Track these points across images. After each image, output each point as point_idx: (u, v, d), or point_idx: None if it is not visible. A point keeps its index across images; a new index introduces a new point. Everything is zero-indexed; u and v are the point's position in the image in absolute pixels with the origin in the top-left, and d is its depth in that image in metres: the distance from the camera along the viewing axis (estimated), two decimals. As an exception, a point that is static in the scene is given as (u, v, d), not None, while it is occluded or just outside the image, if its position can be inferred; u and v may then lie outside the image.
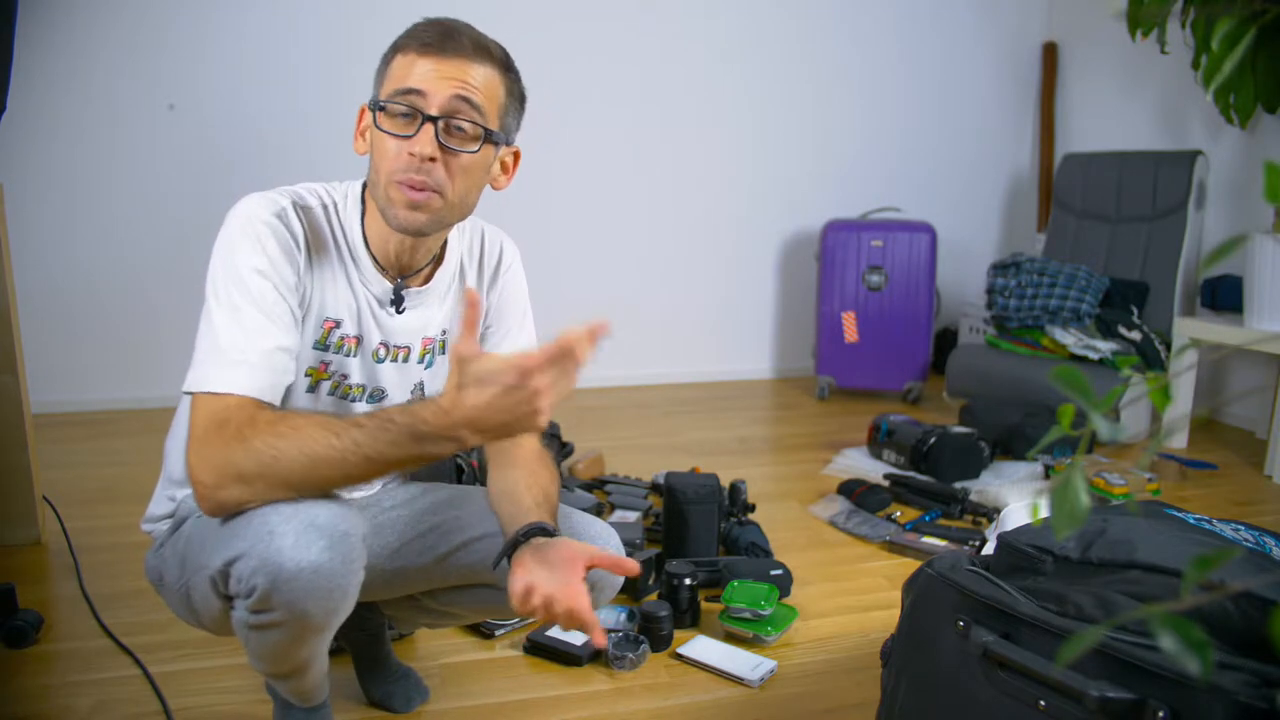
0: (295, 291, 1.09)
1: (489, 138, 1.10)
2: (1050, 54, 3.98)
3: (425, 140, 1.05)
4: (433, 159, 1.06)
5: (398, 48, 1.09)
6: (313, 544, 0.94)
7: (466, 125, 1.07)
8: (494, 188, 1.19)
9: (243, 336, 1.03)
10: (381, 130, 1.07)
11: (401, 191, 1.06)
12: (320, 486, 0.99)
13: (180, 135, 3.12)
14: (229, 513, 0.99)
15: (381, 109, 1.07)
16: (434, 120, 1.05)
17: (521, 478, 1.19)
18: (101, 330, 3.16)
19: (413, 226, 1.09)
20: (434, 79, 1.05)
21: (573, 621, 0.99)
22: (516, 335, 1.33)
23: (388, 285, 1.17)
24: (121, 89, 3.05)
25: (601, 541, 1.19)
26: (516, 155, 1.20)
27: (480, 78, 1.08)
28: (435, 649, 1.59)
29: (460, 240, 1.26)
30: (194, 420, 1.01)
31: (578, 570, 1.02)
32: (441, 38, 1.06)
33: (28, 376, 1.99)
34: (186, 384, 1.04)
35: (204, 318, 1.06)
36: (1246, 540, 1.08)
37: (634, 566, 1.05)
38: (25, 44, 2.81)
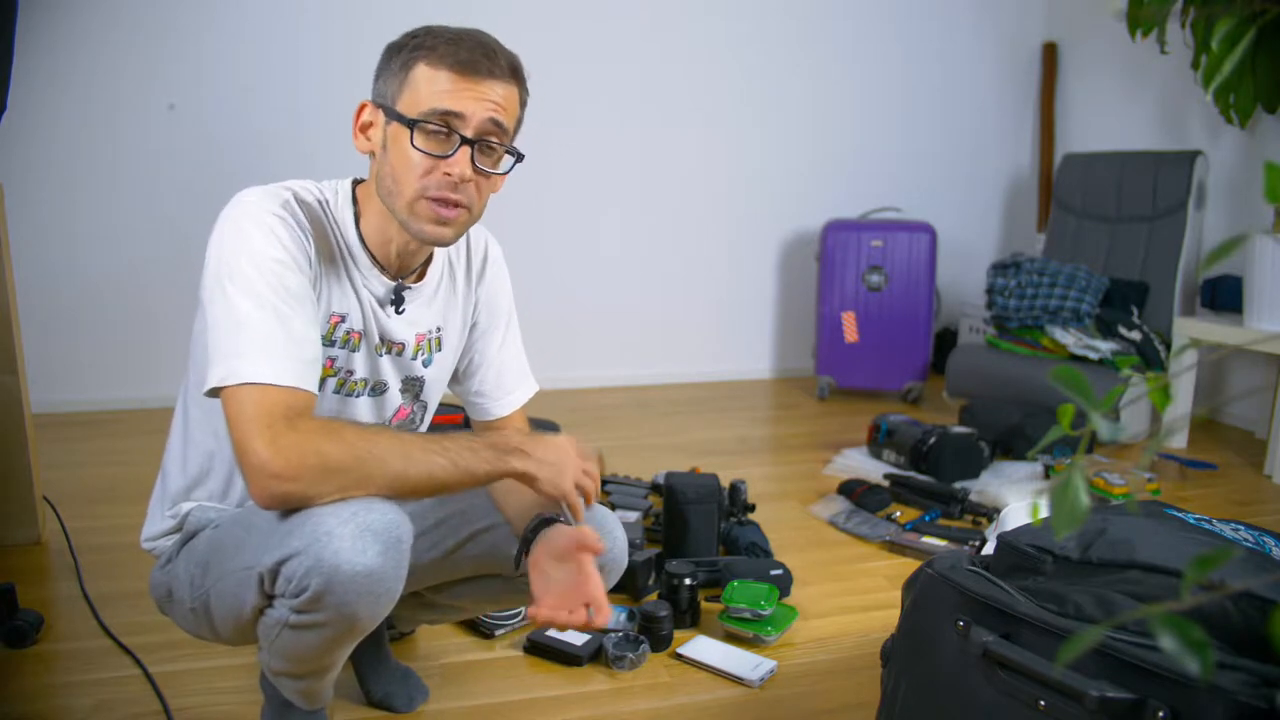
0: (313, 285, 1.09)
1: (515, 156, 1.13)
2: (1050, 54, 3.98)
3: (464, 162, 1.06)
4: (468, 180, 1.08)
5: (420, 56, 1.06)
6: (369, 548, 0.96)
7: (497, 146, 1.10)
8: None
9: (281, 329, 1.00)
10: (416, 148, 1.06)
11: (431, 208, 1.08)
12: (400, 492, 1.01)
13: (180, 135, 3.12)
14: (290, 507, 0.97)
15: (414, 126, 1.05)
16: (471, 143, 1.07)
17: None
18: (101, 330, 3.15)
19: (441, 240, 1.11)
20: (471, 101, 1.05)
21: (588, 620, 1.07)
22: (505, 336, 1.35)
23: (388, 283, 1.17)
24: (121, 89, 3.05)
25: (606, 530, 1.22)
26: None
27: (506, 97, 1.09)
28: (435, 649, 1.59)
29: None
30: (246, 412, 0.96)
31: (586, 556, 1.09)
32: (479, 58, 1.06)
33: (28, 376, 1.99)
34: (223, 376, 0.98)
35: (223, 308, 1.01)
36: (1246, 540, 1.08)
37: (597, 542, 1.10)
38: (25, 44, 2.81)
